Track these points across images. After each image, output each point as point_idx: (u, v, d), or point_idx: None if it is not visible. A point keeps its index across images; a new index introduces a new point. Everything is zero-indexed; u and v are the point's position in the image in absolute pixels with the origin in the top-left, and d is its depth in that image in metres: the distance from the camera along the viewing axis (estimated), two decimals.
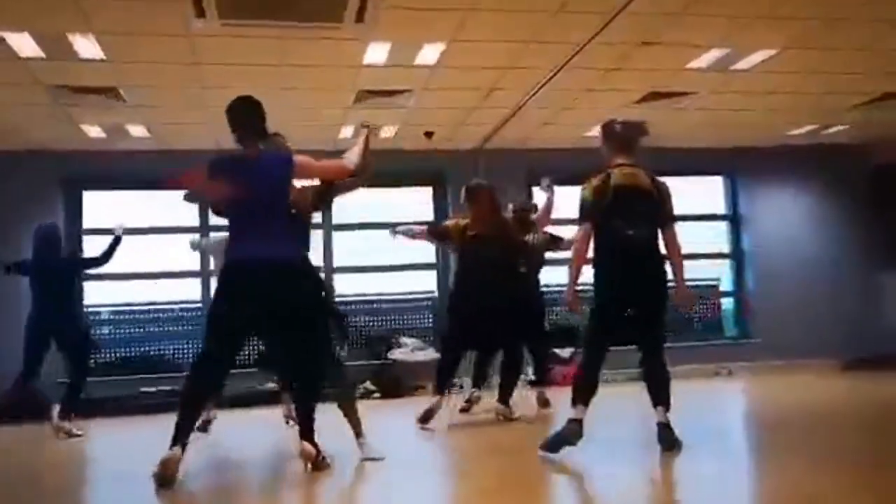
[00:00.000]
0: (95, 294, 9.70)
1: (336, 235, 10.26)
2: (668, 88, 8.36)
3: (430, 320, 10.59)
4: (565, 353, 10.00)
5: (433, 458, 5.14)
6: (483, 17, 6.32)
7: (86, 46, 6.45)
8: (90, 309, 9.69)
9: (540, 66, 7.37)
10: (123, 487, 4.21)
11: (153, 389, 8.84)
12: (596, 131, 9.49)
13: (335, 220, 10.07)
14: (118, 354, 9.65)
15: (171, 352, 9.82)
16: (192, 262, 9.62)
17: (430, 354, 10.01)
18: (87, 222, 9.69)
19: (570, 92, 8.24)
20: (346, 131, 9.18)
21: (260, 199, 4.12)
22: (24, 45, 6.34)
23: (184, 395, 4.05)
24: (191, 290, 9.90)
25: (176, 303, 10.09)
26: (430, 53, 7.03)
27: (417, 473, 4.26)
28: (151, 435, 4.66)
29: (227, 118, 4.39)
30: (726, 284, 11.44)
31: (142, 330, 9.98)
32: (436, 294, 10.61)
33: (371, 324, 10.30)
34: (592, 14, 6.30)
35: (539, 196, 8.05)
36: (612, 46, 7.00)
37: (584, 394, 4.32)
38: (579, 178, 10.72)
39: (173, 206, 9.89)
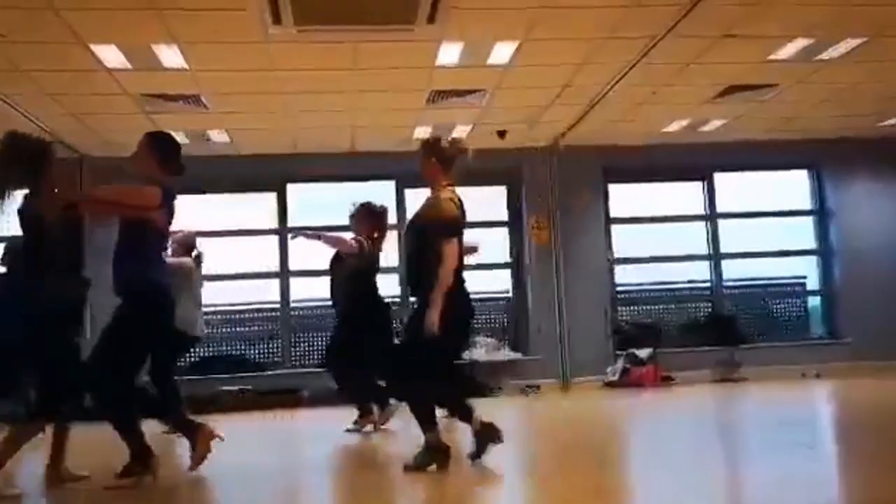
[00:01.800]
0: None
1: None
2: (748, 81, 8.11)
3: (505, 320, 10.54)
4: (643, 353, 9.84)
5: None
6: (556, 14, 6.26)
7: (169, 56, 6.66)
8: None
9: (615, 61, 7.26)
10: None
11: (234, 389, 9.08)
12: (674, 127, 9.52)
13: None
14: (200, 354, 9.88)
15: (250, 352, 10.02)
16: (272, 263, 9.88)
17: (507, 354, 10.01)
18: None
19: (647, 87, 8.08)
20: (420, 132, 9.23)
21: None
22: (112, 56, 6.59)
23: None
24: (269, 292, 10.09)
25: (255, 304, 10.28)
26: (502, 52, 7.00)
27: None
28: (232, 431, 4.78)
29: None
30: (813, 282, 11.04)
31: (225, 330, 10.22)
32: (510, 294, 10.56)
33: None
34: (669, 7, 6.17)
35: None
36: (691, 40, 6.83)
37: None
38: (655, 175, 10.76)
39: (252, 210, 10.20)
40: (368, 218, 6.39)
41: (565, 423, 6.65)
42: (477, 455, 4.22)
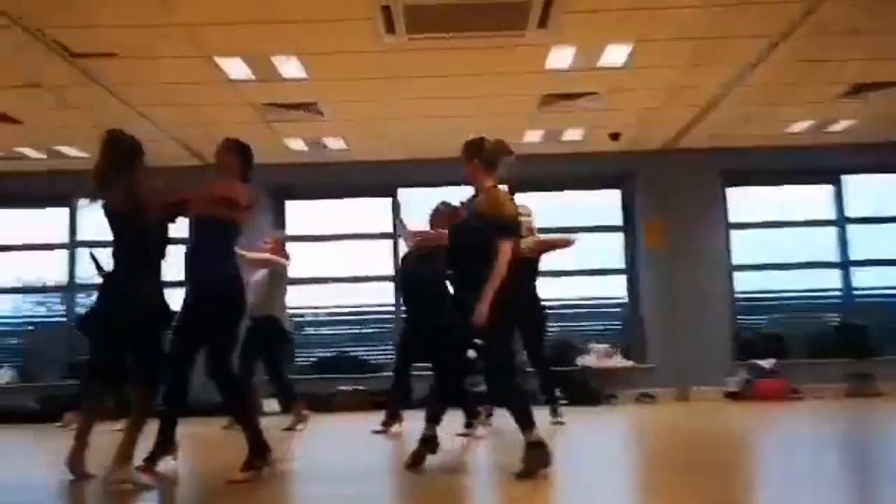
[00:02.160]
0: (299, 297, 10.29)
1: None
2: (877, 79, 7.65)
3: (620, 326, 10.35)
4: (766, 363, 9.44)
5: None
6: (671, 15, 6.11)
7: (288, 67, 6.91)
8: (294, 311, 10.30)
9: (733, 60, 7.01)
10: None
11: (349, 388, 9.30)
12: (798, 127, 9.09)
13: None
14: (317, 355, 10.18)
15: (367, 353, 10.24)
16: (387, 267, 10.06)
17: (621, 362, 9.82)
18: (290, 229, 10.32)
19: (769, 87, 7.75)
20: (531, 136, 9.19)
21: None
22: (235, 68, 6.89)
23: None
24: (384, 294, 10.27)
25: (370, 306, 10.48)
26: (615, 54, 6.89)
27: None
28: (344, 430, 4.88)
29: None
30: None
31: (341, 331, 10.47)
32: (626, 300, 10.36)
33: (558, 328, 10.22)
34: (793, 3, 5.90)
35: None
36: (815, 37, 6.51)
37: None
38: (778, 177, 10.28)
39: (368, 214, 10.42)
40: (449, 217, 6.01)
41: (689, 435, 6.43)
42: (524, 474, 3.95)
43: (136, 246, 4.27)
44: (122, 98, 7.38)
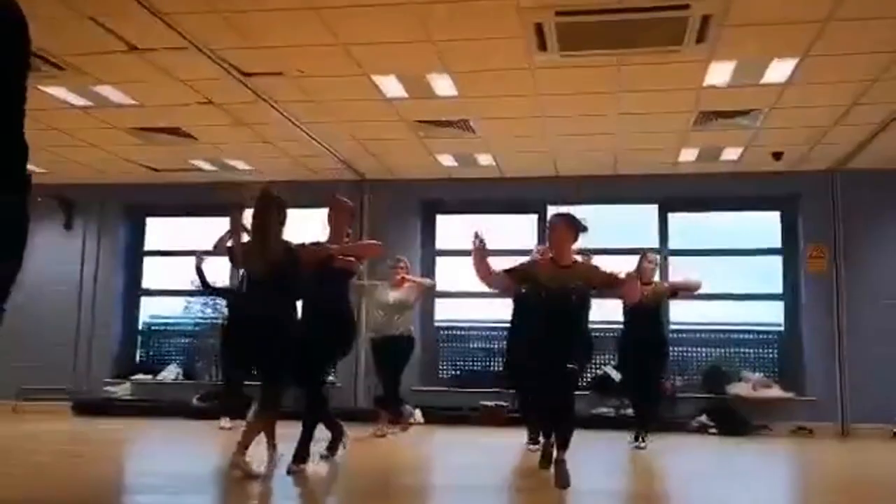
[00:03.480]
0: (445, 310, 10.43)
1: (672, 260, 9.93)
2: None
3: (775, 355, 9.81)
4: None
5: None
6: (842, 27, 5.75)
7: (441, 85, 7.06)
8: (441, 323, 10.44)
9: None
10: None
11: (490, 404, 9.32)
12: None
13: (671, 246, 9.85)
14: (461, 368, 10.25)
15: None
16: None
17: (777, 392, 9.30)
18: (439, 243, 10.50)
19: None
20: (686, 154, 8.91)
21: None
22: (391, 86, 7.12)
23: None
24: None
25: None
26: (779, 70, 6.57)
27: None
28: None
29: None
30: None
31: (489, 346, 10.46)
32: (782, 327, 9.80)
33: (709, 355, 9.80)
34: None
35: None
36: None
37: None
38: None
39: (516, 230, 10.43)
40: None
41: (847, 474, 6.01)
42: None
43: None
44: (287, 114, 7.78)
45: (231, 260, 5.24)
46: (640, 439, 6.98)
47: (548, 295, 4.85)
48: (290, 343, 4.77)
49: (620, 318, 7.45)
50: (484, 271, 5.07)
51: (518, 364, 6.32)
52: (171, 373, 10.41)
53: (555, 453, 4.68)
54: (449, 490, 4.89)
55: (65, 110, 7.75)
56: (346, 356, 5.67)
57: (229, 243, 5.10)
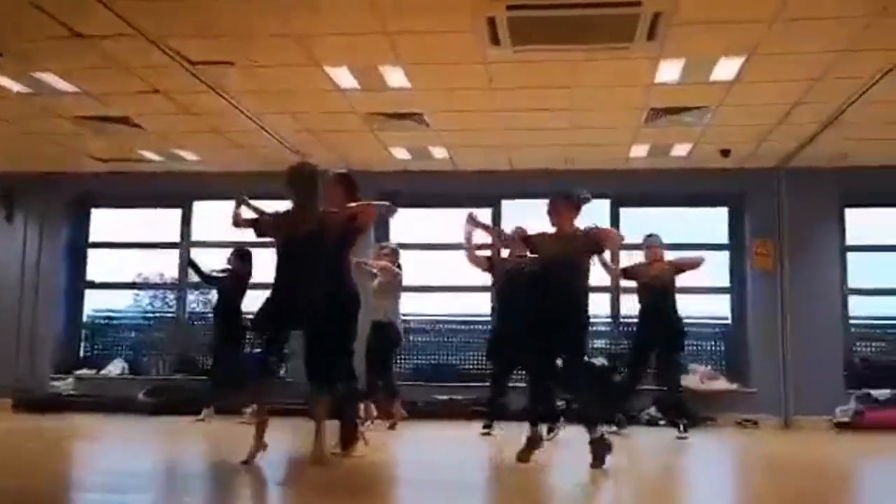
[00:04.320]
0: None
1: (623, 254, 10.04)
2: None
3: (722, 348, 9.99)
4: (881, 394, 8.91)
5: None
6: (788, 27, 5.87)
7: (395, 77, 7.02)
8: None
9: (854, 75, 6.68)
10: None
11: (445, 398, 9.32)
12: None
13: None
14: (417, 363, 10.22)
15: (462, 363, 10.23)
16: (484, 278, 10.02)
17: (723, 384, 9.48)
18: (393, 237, 10.44)
19: (893, 105, 7.35)
20: (637, 150, 9.02)
21: None
22: (343, 78, 7.05)
23: None
24: (482, 305, 10.24)
25: (467, 316, 10.45)
26: (727, 68, 6.68)
27: None
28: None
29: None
30: None
31: (438, 340, 10.46)
32: (729, 321, 10.00)
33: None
34: None
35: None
36: None
37: None
38: None
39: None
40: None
41: (789, 465, 6.14)
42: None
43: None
44: (238, 104, 7.66)
45: (260, 231, 5.18)
46: (682, 429, 7.21)
47: (549, 262, 5.18)
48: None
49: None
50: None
51: (504, 347, 6.82)
52: (116, 367, 10.20)
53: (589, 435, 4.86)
54: (436, 486, 4.87)
55: (4, 97, 7.52)
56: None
57: (250, 215, 5.36)
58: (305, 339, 4.98)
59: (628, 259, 8.02)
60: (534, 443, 5.11)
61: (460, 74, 6.92)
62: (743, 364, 9.68)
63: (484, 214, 6.50)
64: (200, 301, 11.15)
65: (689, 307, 9.99)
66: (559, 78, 6.95)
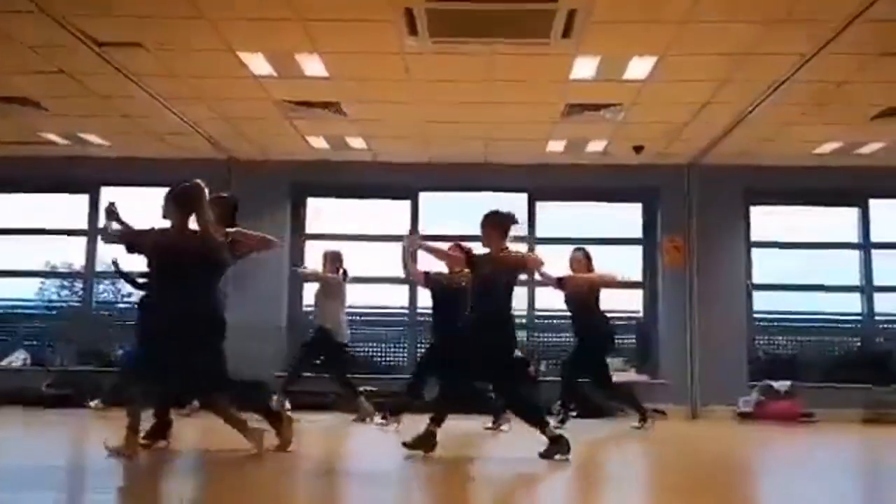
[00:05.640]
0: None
1: (539, 249, 10.16)
2: None
3: (634, 341, 10.23)
4: (781, 385, 9.29)
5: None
6: (697, 29, 6.03)
7: (311, 65, 6.92)
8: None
9: (760, 78, 6.92)
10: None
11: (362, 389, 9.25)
12: (826, 148, 8.94)
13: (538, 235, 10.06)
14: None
15: (381, 355, 10.19)
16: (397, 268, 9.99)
17: (633, 376, 9.70)
18: (311, 228, 10.33)
19: (796, 106, 7.65)
20: (553, 145, 9.13)
21: None
22: (258, 64, 6.91)
23: None
24: (399, 297, 10.22)
25: (384, 308, 10.41)
26: (640, 67, 6.82)
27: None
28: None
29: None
30: None
31: (359, 331, 10.36)
32: (641, 314, 10.25)
33: (565, 341, 10.10)
34: (820, 22, 5.81)
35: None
36: (843, 57, 6.40)
37: None
38: (802, 198, 10.04)
39: (385, 216, 10.39)
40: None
41: (694, 453, 6.34)
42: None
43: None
44: (148, 89, 7.42)
45: (133, 247, 5.10)
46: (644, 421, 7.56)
47: (480, 280, 5.46)
48: None
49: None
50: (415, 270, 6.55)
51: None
52: (17, 359, 9.78)
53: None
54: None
55: None
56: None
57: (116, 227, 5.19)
58: (172, 354, 4.82)
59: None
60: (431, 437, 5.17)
61: (378, 64, 6.87)
62: (653, 356, 9.94)
63: (419, 233, 6.66)
64: (111, 291, 10.81)
65: (603, 302, 10.24)
66: (477, 71, 6.97)
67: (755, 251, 10.06)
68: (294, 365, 8.13)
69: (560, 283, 7.92)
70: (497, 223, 5.48)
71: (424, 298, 10.09)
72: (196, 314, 4.80)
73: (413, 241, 6.27)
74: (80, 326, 10.19)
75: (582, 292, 7.71)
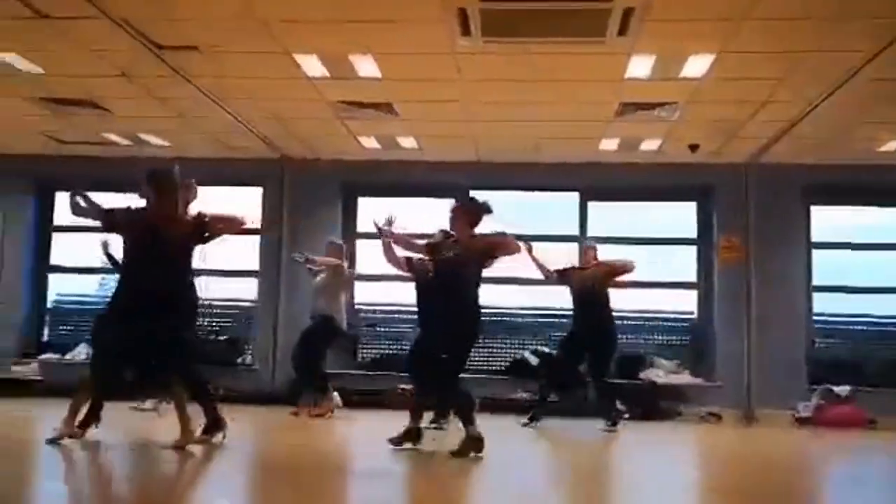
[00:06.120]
0: (367, 294, 10.32)
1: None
2: None
3: (687, 342, 10.07)
4: (841, 390, 9.05)
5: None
6: (757, 26, 5.89)
7: (364, 66, 6.95)
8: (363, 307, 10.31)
9: (822, 75, 6.73)
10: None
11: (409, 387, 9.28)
12: (892, 146, 8.65)
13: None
14: (380, 352, 10.19)
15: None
16: None
17: (685, 379, 9.57)
18: (361, 227, 10.39)
19: (860, 104, 7.42)
20: (607, 143, 9.03)
21: None
22: (312, 66, 6.97)
23: None
24: None
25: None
26: (697, 65, 6.70)
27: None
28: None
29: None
30: None
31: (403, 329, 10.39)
32: (695, 315, 10.08)
33: (623, 341, 9.97)
34: (885, 18, 5.63)
35: None
36: None
37: None
38: (866, 197, 9.77)
39: (435, 214, 10.37)
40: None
41: (752, 458, 6.22)
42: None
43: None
44: (204, 90, 7.55)
45: (110, 226, 5.40)
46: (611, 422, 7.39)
47: (441, 266, 5.48)
48: None
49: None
50: (390, 253, 6.10)
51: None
52: (80, 353, 10.06)
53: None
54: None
55: None
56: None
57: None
58: (140, 335, 4.97)
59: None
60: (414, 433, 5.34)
61: (430, 65, 6.87)
62: (708, 358, 9.76)
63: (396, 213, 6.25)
64: None
65: (654, 302, 10.12)
66: (529, 70, 6.91)
67: (816, 252, 9.81)
68: (313, 360, 8.00)
69: (562, 275, 7.84)
70: (467, 210, 5.49)
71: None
72: (164, 293, 4.96)
73: (386, 233, 6.02)
74: None
75: (595, 284, 7.60)
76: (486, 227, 5.67)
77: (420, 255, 6.29)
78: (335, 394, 8.07)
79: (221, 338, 10.23)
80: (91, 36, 6.40)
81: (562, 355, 7.99)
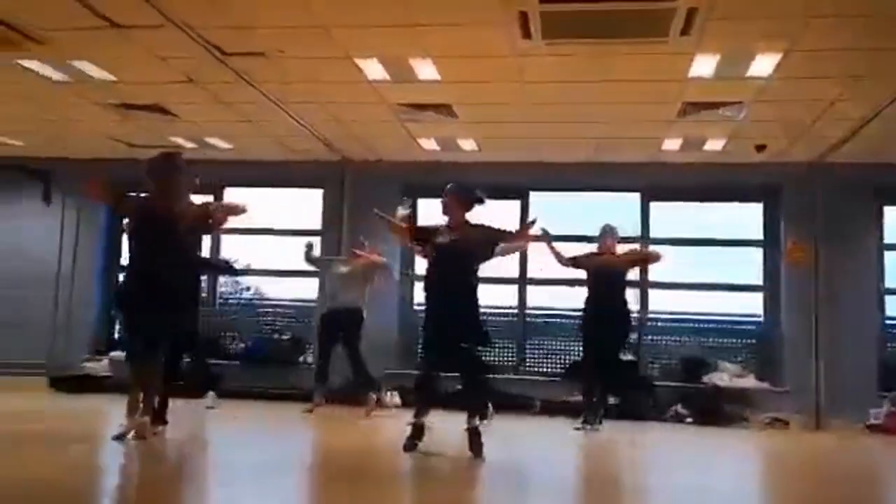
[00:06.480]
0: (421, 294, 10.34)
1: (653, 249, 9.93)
2: None
3: (753, 346, 9.85)
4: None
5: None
6: (826, 24, 5.73)
7: (424, 69, 6.99)
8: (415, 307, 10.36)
9: (891, 75, 6.50)
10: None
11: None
12: None
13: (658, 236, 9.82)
14: None
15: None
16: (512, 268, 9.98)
17: (751, 383, 9.36)
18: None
19: None
20: (669, 143, 8.89)
21: None
22: (373, 69, 7.04)
23: None
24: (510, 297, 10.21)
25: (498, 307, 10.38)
26: (763, 64, 6.54)
27: None
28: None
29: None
30: None
31: None
32: (761, 318, 9.85)
33: (687, 344, 9.82)
34: None
35: None
36: None
37: None
38: None
39: (495, 215, 10.36)
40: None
41: (823, 466, 6.06)
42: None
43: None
44: (268, 94, 7.69)
45: (120, 210, 6.29)
46: (589, 422, 7.21)
47: (439, 252, 5.44)
48: None
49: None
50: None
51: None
52: None
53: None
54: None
55: (43, 85, 7.63)
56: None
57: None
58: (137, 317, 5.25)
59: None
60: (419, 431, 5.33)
61: (490, 67, 6.87)
62: (775, 363, 9.53)
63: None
64: (229, 283, 11.31)
65: (720, 304, 9.93)
66: (590, 71, 6.86)
67: (888, 254, 9.49)
68: (356, 359, 8.15)
69: (575, 261, 7.80)
70: (460, 196, 5.53)
71: (535, 298, 10.13)
72: (161, 277, 5.15)
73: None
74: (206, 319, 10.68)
75: (612, 272, 7.58)
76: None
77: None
78: (395, 393, 8.14)
79: (284, 337, 10.43)
80: (159, 44, 6.57)
81: (591, 356, 7.78)
